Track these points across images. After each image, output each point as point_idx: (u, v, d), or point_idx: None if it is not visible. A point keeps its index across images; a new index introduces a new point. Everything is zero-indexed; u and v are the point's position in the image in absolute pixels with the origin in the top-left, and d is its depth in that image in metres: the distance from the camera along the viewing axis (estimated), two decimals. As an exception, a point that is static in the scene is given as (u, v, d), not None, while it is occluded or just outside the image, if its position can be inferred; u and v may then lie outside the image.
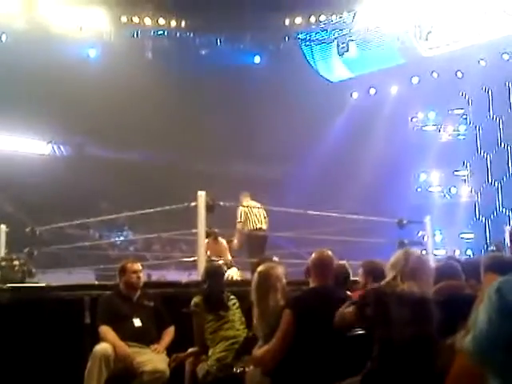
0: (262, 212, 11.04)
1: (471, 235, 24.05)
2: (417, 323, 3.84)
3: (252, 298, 4.90)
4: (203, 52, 27.28)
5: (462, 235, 24.09)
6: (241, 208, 10.82)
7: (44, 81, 22.54)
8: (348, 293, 4.88)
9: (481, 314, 3.03)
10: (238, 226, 10.87)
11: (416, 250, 4.25)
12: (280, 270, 4.99)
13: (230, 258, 10.71)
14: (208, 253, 10.05)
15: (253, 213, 10.89)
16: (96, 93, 23.14)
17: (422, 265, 4.03)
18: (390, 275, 4.03)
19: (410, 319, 3.82)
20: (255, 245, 10.77)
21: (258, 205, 11.17)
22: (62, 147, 28.50)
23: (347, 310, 4.19)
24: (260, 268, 5.00)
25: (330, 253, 4.83)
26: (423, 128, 26.43)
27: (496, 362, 3.01)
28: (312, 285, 4.75)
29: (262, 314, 4.75)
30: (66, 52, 24.53)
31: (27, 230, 11.18)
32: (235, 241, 11.01)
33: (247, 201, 11.13)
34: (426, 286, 3.97)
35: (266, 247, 11.17)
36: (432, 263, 7.30)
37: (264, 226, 10.95)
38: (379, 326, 3.92)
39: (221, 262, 10.33)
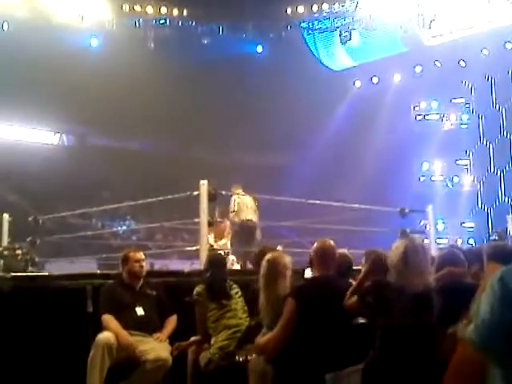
0: (253, 204, 11.09)
1: (473, 224, 24.04)
2: (417, 313, 3.85)
3: (259, 284, 4.91)
4: (205, 41, 27.17)
5: (465, 224, 24.08)
6: (234, 198, 10.87)
7: (46, 70, 22.50)
8: (351, 281, 4.88)
9: (483, 303, 3.04)
10: (232, 216, 10.91)
11: (417, 238, 4.22)
12: (287, 259, 5.01)
13: (229, 241, 10.85)
14: (212, 236, 10.19)
15: (245, 204, 10.94)
16: (98, 82, 23.09)
17: (421, 254, 4.02)
18: (390, 264, 4.04)
19: (410, 310, 3.84)
20: (246, 235, 10.85)
21: (250, 197, 11.18)
22: (64, 137, 28.47)
23: (351, 300, 4.20)
24: (269, 255, 5.01)
25: (332, 242, 4.83)
26: (426, 117, 26.37)
27: (497, 351, 3.02)
28: (314, 274, 4.76)
29: (270, 302, 4.76)
30: (67, 41, 24.45)
31: (30, 219, 11.19)
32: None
33: (239, 192, 11.18)
34: (425, 275, 3.96)
35: (269, 236, 11.23)
36: (434, 251, 7.30)
37: (254, 218, 11.00)
38: (380, 316, 3.94)
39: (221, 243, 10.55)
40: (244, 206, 10.90)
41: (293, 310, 4.44)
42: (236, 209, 10.88)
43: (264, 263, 4.93)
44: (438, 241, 15.17)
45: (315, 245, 4.80)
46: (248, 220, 10.87)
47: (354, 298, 4.18)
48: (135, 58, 24.20)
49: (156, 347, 5.76)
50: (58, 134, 27.93)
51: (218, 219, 10.46)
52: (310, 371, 4.28)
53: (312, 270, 4.86)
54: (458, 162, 25.36)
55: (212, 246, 10.07)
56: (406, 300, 3.85)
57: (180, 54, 25.75)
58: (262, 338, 4.71)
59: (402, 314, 3.83)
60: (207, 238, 9.40)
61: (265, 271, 4.88)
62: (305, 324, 4.40)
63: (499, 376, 3.06)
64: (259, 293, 4.98)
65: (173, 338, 5.96)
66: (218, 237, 10.77)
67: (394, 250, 4.07)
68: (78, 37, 25.59)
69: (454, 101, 25.57)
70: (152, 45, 26.22)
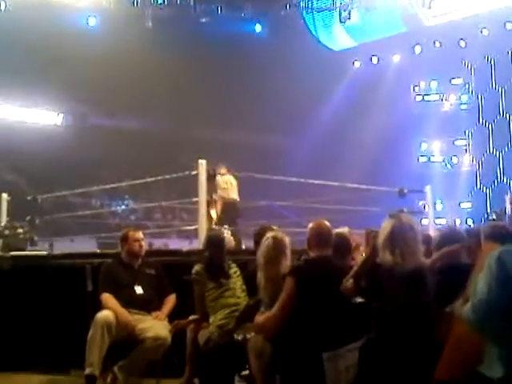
0: (235, 184, 11.15)
1: (472, 204, 24.08)
2: (411, 293, 3.86)
3: (258, 263, 4.90)
4: (203, 20, 26.98)
5: (463, 204, 24.11)
6: (220, 177, 10.93)
7: (44, 50, 22.38)
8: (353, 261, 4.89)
9: (480, 283, 3.06)
10: (222, 193, 10.98)
11: (404, 217, 4.18)
12: (287, 239, 5.03)
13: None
14: (214, 212, 10.28)
15: (230, 183, 11.01)
16: (96, 62, 22.99)
17: (409, 233, 4.01)
18: (379, 245, 4.04)
19: (403, 290, 3.85)
20: (232, 213, 10.92)
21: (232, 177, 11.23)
22: (63, 116, 28.33)
23: (347, 283, 4.21)
24: (271, 234, 5.01)
25: (327, 222, 4.83)
26: (425, 97, 26.30)
27: (495, 330, 3.05)
28: (311, 254, 4.76)
29: (269, 280, 4.77)
30: (66, 20, 24.29)
31: (29, 198, 11.19)
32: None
33: (222, 172, 11.26)
34: (415, 254, 3.96)
35: (269, 216, 11.29)
36: (432, 231, 7.32)
37: (237, 198, 11.06)
38: (374, 298, 3.96)
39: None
40: (229, 184, 10.96)
41: (292, 288, 4.46)
42: (225, 186, 10.97)
43: (266, 242, 4.92)
44: (437, 221, 15.19)
45: (310, 225, 4.78)
46: (234, 199, 10.93)
47: (350, 282, 4.19)
48: (133, 37, 24.07)
49: (155, 326, 5.79)
50: (57, 114, 27.78)
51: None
52: (308, 349, 4.31)
53: (309, 251, 4.86)
54: (456, 143, 25.34)
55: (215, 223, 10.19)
56: (398, 280, 3.86)
57: (178, 33, 25.60)
58: (260, 317, 4.73)
59: (395, 294, 3.84)
60: (209, 214, 9.49)
61: (266, 250, 4.88)
62: (303, 302, 4.42)
63: (496, 355, 3.09)
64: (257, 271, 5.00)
65: (172, 317, 6.00)
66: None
67: (382, 230, 4.07)
68: (75, 16, 25.42)
69: (453, 81, 25.49)
70: (150, 24, 26.04)
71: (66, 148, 25.13)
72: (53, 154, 24.17)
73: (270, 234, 4.99)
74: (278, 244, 4.88)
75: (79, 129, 27.37)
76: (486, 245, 3.87)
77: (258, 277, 4.91)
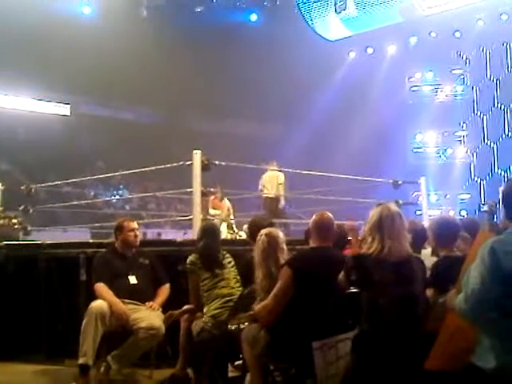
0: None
1: (466, 196, 24.15)
2: (401, 283, 3.86)
3: (257, 259, 4.89)
4: (198, 9, 26.86)
5: (458, 196, 24.17)
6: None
7: (38, 38, 22.22)
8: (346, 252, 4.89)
9: (473, 273, 3.07)
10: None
11: (392, 206, 4.19)
12: (281, 234, 5.05)
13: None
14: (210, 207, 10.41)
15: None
16: (90, 50, 22.88)
17: (397, 221, 4.02)
18: (367, 234, 4.04)
19: (392, 280, 3.85)
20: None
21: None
22: (57, 106, 28.15)
23: (340, 276, 4.21)
24: (265, 231, 5.00)
25: (330, 215, 4.84)
26: (420, 88, 26.30)
27: (487, 320, 3.06)
28: (312, 245, 4.77)
29: (269, 276, 4.77)
30: (59, 9, 24.15)
31: (23, 187, 11.16)
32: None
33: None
34: (403, 242, 3.97)
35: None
36: (426, 222, 7.33)
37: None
38: (364, 289, 3.96)
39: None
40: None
41: (288, 278, 4.47)
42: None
43: (261, 239, 4.91)
44: (431, 212, 15.21)
45: (313, 217, 4.78)
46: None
47: (341, 275, 4.19)
48: (128, 25, 23.92)
49: (149, 316, 5.79)
50: (52, 104, 27.59)
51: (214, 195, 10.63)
52: (301, 339, 4.32)
53: (310, 242, 4.86)
54: (451, 134, 25.36)
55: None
56: (387, 271, 3.86)
57: (173, 22, 25.51)
58: (257, 306, 4.74)
59: (384, 285, 3.84)
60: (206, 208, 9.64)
61: (262, 247, 4.87)
62: (300, 293, 4.43)
63: (488, 346, 3.10)
64: (253, 265, 5.01)
65: (165, 307, 6.00)
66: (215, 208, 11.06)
67: (370, 218, 4.07)
68: (69, 4, 25.29)
69: (448, 72, 25.49)
70: (145, 12, 25.94)
71: (61, 138, 25.05)
72: (47, 143, 24.09)
73: (263, 231, 4.99)
74: (273, 240, 4.88)
75: (74, 119, 27.29)
76: (480, 235, 3.86)
77: (256, 273, 4.91)
